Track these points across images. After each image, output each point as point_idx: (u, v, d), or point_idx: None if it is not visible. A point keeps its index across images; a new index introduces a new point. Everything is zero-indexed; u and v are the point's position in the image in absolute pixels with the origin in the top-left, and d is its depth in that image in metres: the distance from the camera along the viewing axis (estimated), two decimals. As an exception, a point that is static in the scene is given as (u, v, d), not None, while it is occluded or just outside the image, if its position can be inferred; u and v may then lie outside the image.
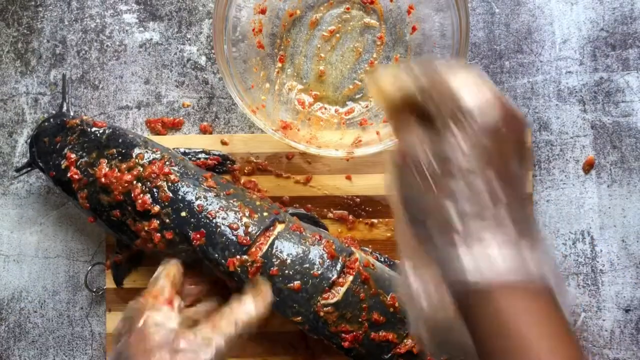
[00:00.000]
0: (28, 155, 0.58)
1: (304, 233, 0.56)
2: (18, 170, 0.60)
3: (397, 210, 0.40)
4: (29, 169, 0.59)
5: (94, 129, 0.57)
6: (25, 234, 0.63)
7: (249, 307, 0.50)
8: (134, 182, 0.54)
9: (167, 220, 0.53)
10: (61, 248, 0.63)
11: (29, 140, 0.59)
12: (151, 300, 0.49)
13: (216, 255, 0.53)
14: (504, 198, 0.36)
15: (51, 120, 0.58)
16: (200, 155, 0.60)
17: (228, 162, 0.61)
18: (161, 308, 0.49)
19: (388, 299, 0.56)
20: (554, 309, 0.36)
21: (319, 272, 0.54)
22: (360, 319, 0.54)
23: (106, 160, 0.55)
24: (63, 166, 0.56)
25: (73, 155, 0.56)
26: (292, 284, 0.53)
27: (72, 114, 0.60)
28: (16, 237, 0.63)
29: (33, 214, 0.63)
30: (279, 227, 0.55)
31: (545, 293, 0.36)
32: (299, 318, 0.53)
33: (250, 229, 0.54)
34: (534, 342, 0.35)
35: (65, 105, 0.60)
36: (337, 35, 0.63)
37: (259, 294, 0.51)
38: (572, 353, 0.35)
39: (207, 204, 0.54)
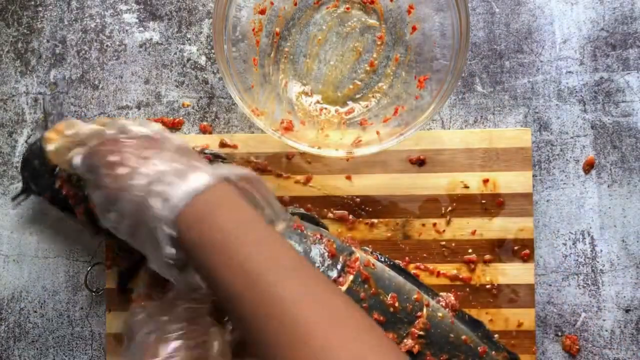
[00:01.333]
0: (21, 182, 0.58)
1: (304, 232, 0.56)
2: (14, 198, 0.60)
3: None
4: (25, 195, 0.59)
5: None
6: (25, 234, 0.63)
7: None
8: None
9: None
10: (61, 248, 0.63)
11: (19, 167, 0.58)
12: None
13: None
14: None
15: (37, 142, 0.57)
16: None
17: (220, 159, 0.61)
18: None
19: (388, 298, 0.56)
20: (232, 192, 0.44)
21: (320, 270, 0.54)
22: (360, 319, 0.54)
23: None
24: (57, 186, 0.56)
25: (64, 173, 0.55)
26: None
27: None
28: (16, 237, 0.63)
29: (33, 214, 0.63)
30: (280, 225, 0.55)
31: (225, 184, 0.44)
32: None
33: None
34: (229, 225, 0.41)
35: (49, 124, 0.60)
36: (337, 35, 0.63)
37: None
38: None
39: None
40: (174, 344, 0.46)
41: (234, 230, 0.41)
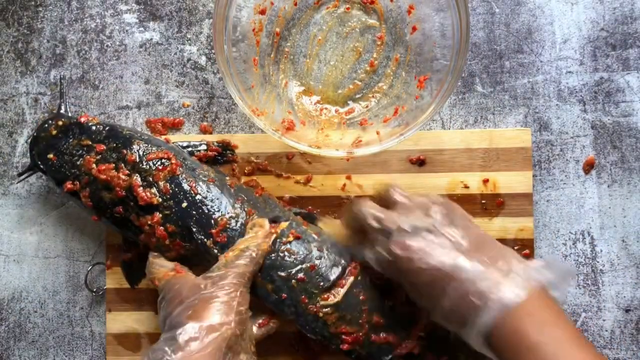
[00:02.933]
0: (29, 158, 0.58)
1: (306, 232, 0.56)
2: (20, 174, 0.60)
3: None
4: (31, 172, 0.59)
5: (92, 127, 0.57)
6: (25, 234, 0.63)
7: (251, 238, 0.53)
8: (135, 177, 0.54)
9: (168, 212, 0.54)
10: (61, 248, 0.63)
11: (29, 143, 0.58)
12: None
13: (216, 250, 0.53)
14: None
15: (50, 121, 0.58)
16: (200, 148, 0.60)
17: (228, 151, 0.61)
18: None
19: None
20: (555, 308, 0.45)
21: (321, 272, 0.54)
22: (360, 321, 0.54)
23: (97, 157, 0.55)
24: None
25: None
26: (292, 283, 0.53)
27: (70, 114, 0.60)
28: (16, 237, 0.63)
29: (33, 214, 0.63)
30: (282, 225, 0.55)
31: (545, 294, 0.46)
32: (298, 318, 0.53)
33: None
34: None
35: (63, 106, 0.60)
36: (337, 35, 0.63)
37: (258, 226, 0.54)
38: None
39: (207, 199, 0.54)
40: (222, 307, 0.49)
41: (549, 350, 0.43)
